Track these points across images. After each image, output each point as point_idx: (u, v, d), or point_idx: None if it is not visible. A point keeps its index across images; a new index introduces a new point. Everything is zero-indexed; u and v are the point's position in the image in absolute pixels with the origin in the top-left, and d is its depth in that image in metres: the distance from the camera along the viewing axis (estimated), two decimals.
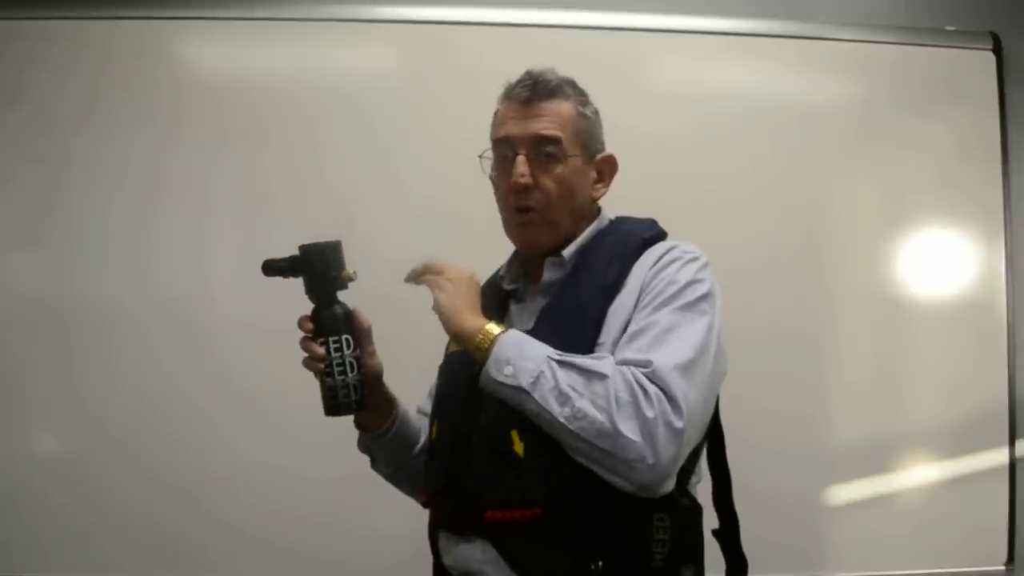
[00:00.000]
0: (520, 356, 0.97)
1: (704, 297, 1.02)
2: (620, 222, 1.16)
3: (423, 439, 1.20)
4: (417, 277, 1.07)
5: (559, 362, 0.96)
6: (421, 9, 1.96)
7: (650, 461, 0.92)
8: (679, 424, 0.93)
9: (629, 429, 0.92)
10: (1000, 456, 1.95)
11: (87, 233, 1.89)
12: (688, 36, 2.01)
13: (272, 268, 1.05)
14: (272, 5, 1.94)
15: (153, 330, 1.86)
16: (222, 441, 1.84)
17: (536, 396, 0.94)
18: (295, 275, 1.05)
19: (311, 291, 1.05)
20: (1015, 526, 1.94)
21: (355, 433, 1.20)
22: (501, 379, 0.96)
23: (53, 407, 1.85)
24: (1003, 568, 1.93)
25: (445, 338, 1.18)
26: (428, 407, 1.23)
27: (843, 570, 1.93)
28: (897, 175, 2.02)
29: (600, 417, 0.92)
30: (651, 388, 0.93)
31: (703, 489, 1.08)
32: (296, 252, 1.05)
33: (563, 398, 0.94)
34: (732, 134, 1.97)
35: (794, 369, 1.92)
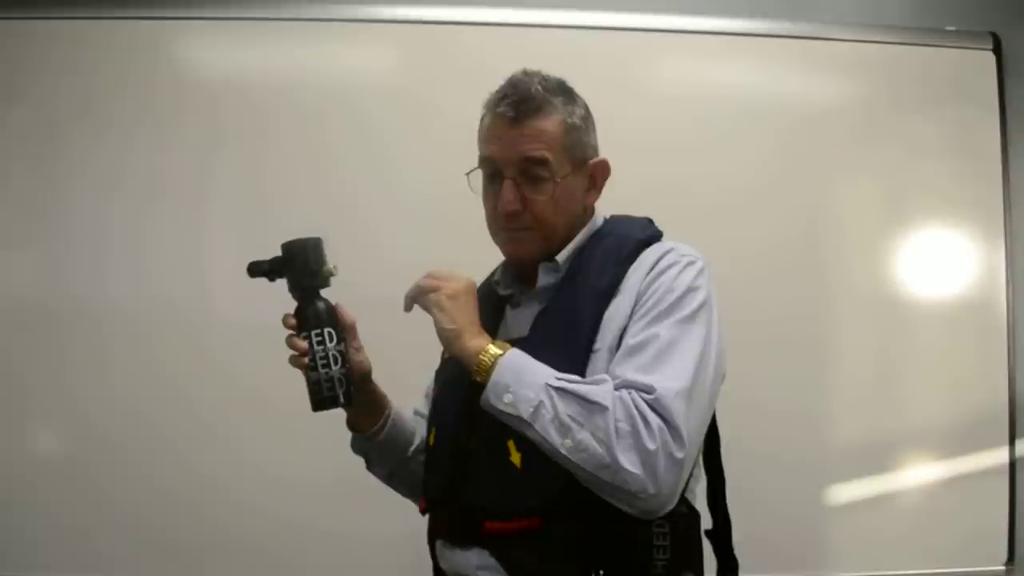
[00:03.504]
0: (519, 383, 0.95)
1: (702, 306, 1.00)
2: (614, 223, 1.14)
3: (418, 440, 1.19)
4: (414, 302, 1.04)
5: (559, 390, 0.94)
6: (421, 9, 1.96)
7: (652, 491, 0.91)
8: (680, 455, 0.92)
9: (629, 461, 0.90)
10: (1000, 456, 1.95)
11: (84, 233, 1.88)
12: (688, 36, 2.01)
13: (256, 270, 1.06)
14: (272, 5, 1.94)
15: (150, 331, 1.86)
16: (220, 443, 1.84)
17: (537, 427, 0.93)
18: (279, 275, 1.05)
19: (293, 288, 1.05)
20: (1015, 526, 1.94)
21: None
22: (500, 407, 0.95)
23: (50, 408, 1.85)
24: (1003, 568, 1.93)
25: None
26: (425, 409, 1.22)
27: (843, 570, 1.93)
28: (897, 175, 2.02)
29: (600, 450, 0.91)
30: (653, 419, 0.91)
31: (699, 489, 1.08)
32: (279, 253, 1.05)
33: (563, 429, 0.92)
34: (732, 134, 1.97)
35: (794, 369, 1.92)
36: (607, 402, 0.92)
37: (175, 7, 1.93)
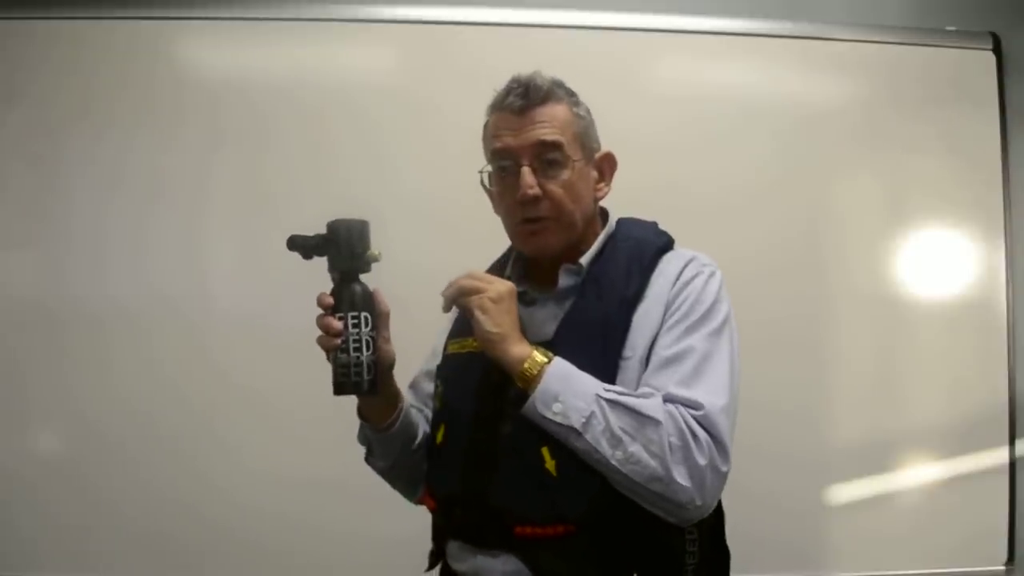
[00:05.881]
0: (569, 392, 0.96)
1: (727, 318, 1.03)
2: (627, 225, 1.15)
3: (421, 434, 1.19)
4: (453, 302, 1.04)
5: (610, 402, 0.95)
6: (421, 9, 1.96)
7: (698, 503, 0.94)
8: (725, 468, 0.95)
9: (681, 475, 0.93)
10: (1000, 456, 1.95)
11: (85, 233, 1.88)
12: (688, 36, 2.01)
13: (296, 244, 1.03)
14: (272, 5, 1.94)
15: (151, 331, 1.86)
16: (219, 443, 1.84)
17: (588, 437, 0.94)
18: (317, 253, 1.03)
19: (334, 267, 1.04)
20: (1015, 526, 1.94)
21: (352, 435, 1.20)
22: (549, 415, 0.95)
23: (50, 408, 1.85)
24: (1003, 568, 1.93)
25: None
26: (412, 399, 1.22)
27: (843, 570, 1.93)
28: (897, 175, 2.02)
29: (653, 463, 0.93)
30: (701, 434, 0.94)
31: None
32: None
33: (615, 441, 0.94)
34: (732, 134, 1.97)
35: (794, 369, 1.92)
36: (660, 416, 0.94)
37: (175, 7, 1.93)
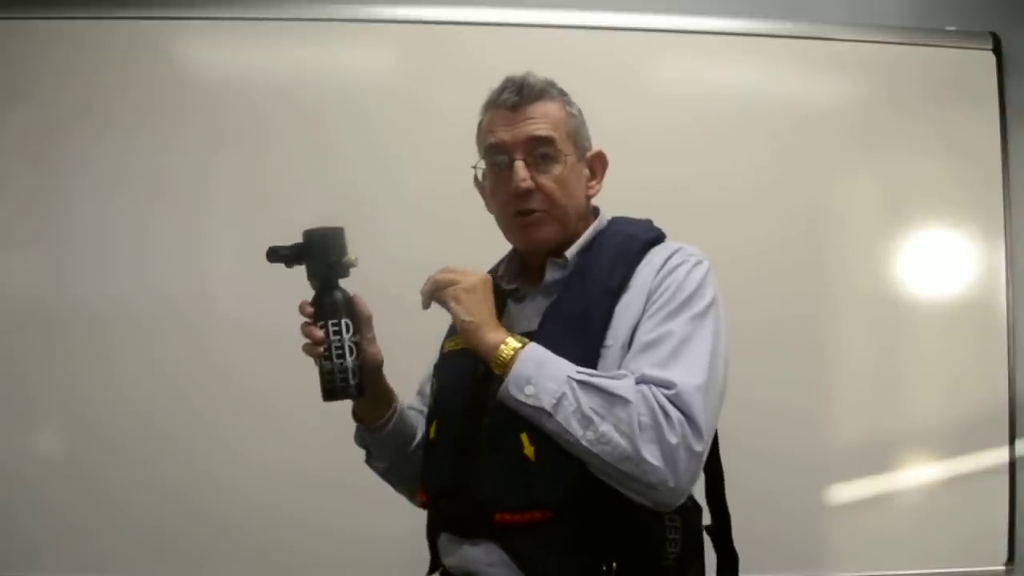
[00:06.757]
0: (540, 375, 0.96)
1: (712, 305, 1.02)
2: (619, 223, 1.16)
3: (419, 435, 1.19)
4: (431, 298, 1.05)
5: (580, 383, 0.95)
6: (421, 9, 1.96)
7: (671, 484, 0.93)
8: (699, 448, 0.94)
9: (651, 454, 0.92)
10: (1000, 456, 1.95)
11: (85, 233, 1.88)
12: (688, 36, 2.01)
13: (275, 255, 1.05)
14: (272, 5, 1.94)
15: (151, 331, 1.86)
16: (220, 442, 1.84)
17: (558, 418, 0.94)
18: (298, 262, 1.05)
19: (313, 276, 1.05)
20: (1015, 526, 1.94)
21: (353, 433, 1.20)
22: (521, 398, 0.96)
23: (51, 408, 1.85)
24: (1003, 568, 1.93)
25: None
26: (418, 404, 1.23)
27: (843, 570, 1.93)
28: (897, 175, 2.02)
29: (623, 443, 0.92)
30: (674, 413, 0.93)
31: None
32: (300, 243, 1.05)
33: (586, 421, 0.93)
34: (732, 134, 1.97)
35: (794, 369, 1.92)
36: (630, 396, 0.94)
37: (175, 7, 1.93)
